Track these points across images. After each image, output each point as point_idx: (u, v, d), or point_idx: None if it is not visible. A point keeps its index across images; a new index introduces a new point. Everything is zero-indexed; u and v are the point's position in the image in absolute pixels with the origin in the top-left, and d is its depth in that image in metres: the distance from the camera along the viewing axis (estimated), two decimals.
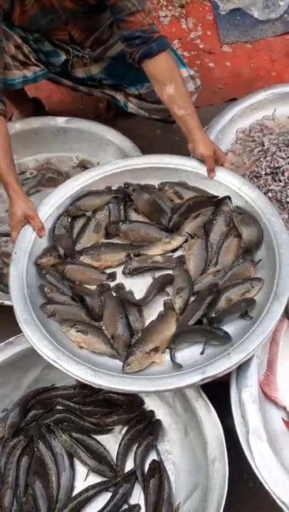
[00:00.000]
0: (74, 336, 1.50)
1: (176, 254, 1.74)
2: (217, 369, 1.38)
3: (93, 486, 1.53)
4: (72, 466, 1.58)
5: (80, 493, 1.53)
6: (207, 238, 1.71)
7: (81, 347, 1.50)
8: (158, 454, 1.58)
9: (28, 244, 1.67)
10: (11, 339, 1.58)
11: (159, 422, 1.63)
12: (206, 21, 2.98)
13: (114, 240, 1.77)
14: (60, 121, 2.25)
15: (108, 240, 1.77)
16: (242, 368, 1.45)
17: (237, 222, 1.70)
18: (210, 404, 1.46)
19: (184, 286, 1.59)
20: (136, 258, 1.70)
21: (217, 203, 1.78)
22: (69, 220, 1.78)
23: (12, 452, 1.58)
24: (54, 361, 1.42)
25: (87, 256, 1.69)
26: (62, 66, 2.13)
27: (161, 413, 1.65)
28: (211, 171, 1.80)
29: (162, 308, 1.60)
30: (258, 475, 1.30)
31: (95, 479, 1.56)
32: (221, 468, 1.37)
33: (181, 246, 1.74)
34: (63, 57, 2.09)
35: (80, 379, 1.40)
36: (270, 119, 2.21)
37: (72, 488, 1.56)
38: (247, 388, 1.41)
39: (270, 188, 1.98)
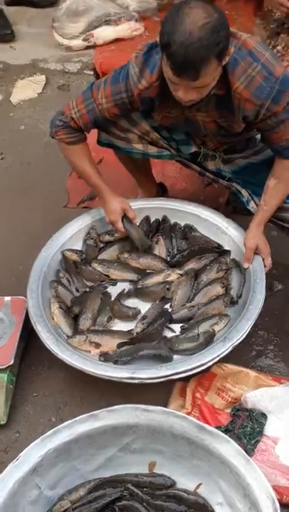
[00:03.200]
0: (53, 308, 2.01)
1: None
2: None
3: None
4: None
5: None
6: (195, 279, 2.12)
7: (52, 318, 1.98)
8: None
9: (64, 238, 2.23)
10: (95, 412, 1.57)
11: None
12: None
13: (129, 260, 2.22)
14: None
15: (123, 260, 2.24)
16: None
17: (228, 274, 2.10)
18: None
19: (147, 317, 2.00)
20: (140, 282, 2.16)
21: (218, 253, 2.19)
22: (97, 234, 2.29)
23: None
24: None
25: (100, 265, 2.20)
26: (192, 156, 2.23)
27: None
28: (246, 261, 2.05)
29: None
30: None
31: None
32: None
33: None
34: (194, 148, 2.17)
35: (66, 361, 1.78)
36: None
37: None
38: None
39: None
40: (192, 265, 2.19)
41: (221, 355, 1.78)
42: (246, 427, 1.74)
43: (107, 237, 2.29)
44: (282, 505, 1.57)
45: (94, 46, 3.67)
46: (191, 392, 1.86)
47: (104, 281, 2.20)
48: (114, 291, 2.18)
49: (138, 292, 2.14)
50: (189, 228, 2.32)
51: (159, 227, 2.35)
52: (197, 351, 1.83)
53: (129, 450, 1.62)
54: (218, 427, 1.68)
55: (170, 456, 1.61)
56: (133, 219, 2.17)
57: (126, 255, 2.22)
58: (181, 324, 2.01)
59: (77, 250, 2.26)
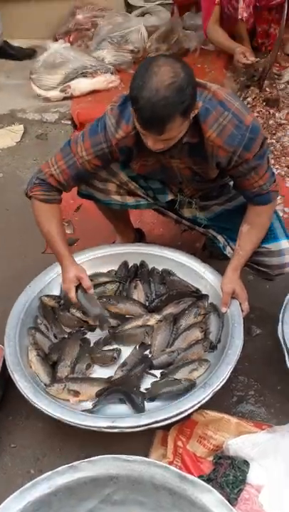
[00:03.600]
0: (30, 356, 1.99)
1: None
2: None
3: None
4: None
5: None
6: (174, 324, 2.12)
7: (30, 366, 1.96)
8: None
9: (42, 284, 2.24)
10: (75, 463, 1.53)
11: None
12: None
13: (108, 306, 2.21)
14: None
15: (104, 304, 2.19)
16: None
17: (206, 318, 2.13)
18: None
19: (127, 363, 2.01)
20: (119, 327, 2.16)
21: (196, 297, 2.21)
22: None
23: None
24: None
25: (78, 311, 2.17)
26: (169, 203, 2.28)
27: None
28: (223, 305, 2.06)
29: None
30: None
31: None
32: None
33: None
34: (170, 197, 2.23)
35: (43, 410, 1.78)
36: None
37: None
38: None
39: None
40: (170, 310, 2.19)
41: (202, 402, 1.77)
42: (229, 475, 1.72)
43: None
44: None
45: (71, 97, 3.78)
46: (172, 441, 1.84)
47: (82, 328, 2.19)
48: (92, 337, 2.16)
49: (117, 337, 2.14)
50: (167, 273, 2.34)
51: (137, 272, 2.36)
52: (178, 394, 1.83)
53: (110, 502, 1.57)
54: (200, 476, 1.66)
55: (152, 507, 1.56)
56: (88, 288, 2.06)
57: (104, 300, 2.21)
58: (161, 370, 2.00)
59: (55, 296, 2.25)
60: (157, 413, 1.76)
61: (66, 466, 1.53)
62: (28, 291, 2.20)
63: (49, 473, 1.52)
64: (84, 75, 3.79)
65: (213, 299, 2.18)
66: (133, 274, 2.36)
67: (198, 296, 2.23)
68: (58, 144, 3.50)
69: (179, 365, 1.97)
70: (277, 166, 3.23)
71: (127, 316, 2.22)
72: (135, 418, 1.75)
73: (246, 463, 1.74)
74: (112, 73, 3.85)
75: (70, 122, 3.68)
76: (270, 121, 3.50)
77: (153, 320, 2.15)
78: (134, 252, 2.41)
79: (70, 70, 3.80)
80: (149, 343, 2.10)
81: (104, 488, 1.55)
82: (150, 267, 2.39)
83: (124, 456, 1.54)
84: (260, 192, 1.96)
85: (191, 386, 1.86)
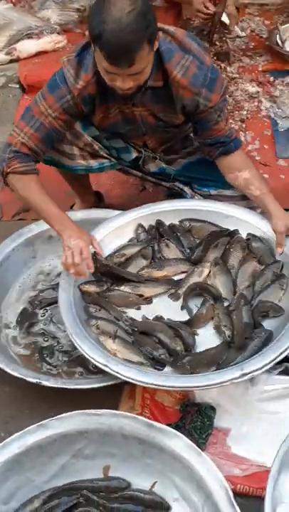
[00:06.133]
0: (110, 346, 1.75)
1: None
2: (254, 366, 1.61)
3: None
4: None
5: None
6: (226, 264, 2.00)
7: (115, 355, 1.73)
8: None
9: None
10: (43, 422, 1.55)
11: None
12: (264, 136, 3.12)
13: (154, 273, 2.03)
14: (116, 213, 2.32)
15: (150, 273, 2.03)
16: (279, 482, 1.38)
17: (250, 246, 2.04)
18: None
19: (222, 318, 1.83)
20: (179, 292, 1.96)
21: (229, 234, 2.10)
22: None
23: None
24: (104, 365, 1.66)
25: (127, 286, 1.97)
26: (133, 162, 2.25)
27: None
28: (278, 246, 1.96)
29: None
30: None
31: None
32: None
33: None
34: (134, 154, 2.21)
35: (129, 379, 1.64)
36: None
37: None
38: (283, 505, 1.34)
39: None
40: (214, 254, 2.06)
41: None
42: (196, 421, 1.77)
43: (117, 259, 2.08)
44: (237, 494, 1.61)
45: (17, 60, 3.65)
46: (140, 394, 1.87)
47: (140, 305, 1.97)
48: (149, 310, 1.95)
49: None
50: (189, 220, 2.19)
51: (160, 232, 2.18)
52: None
53: (81, 456, 1.60)
54: (168, 425, 1.69)
55: (123, 457, 1.61)
56: (99, 254, 1.99)
57: (149, 269, 2.05)
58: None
59: (94, 280, 2.00)
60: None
61: (35, 425, 1.56)
62: (64, 286, 1.94)
63: (19, 433, 1.54)
64: (29, 36, 3.66)
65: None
66: (157, 235, 2.18)
67: (230, 232, 2.12)
68: (8, 108, 3.42)
69: (264, 291, 1.90)
70: (230, 121, 3.23)
71: (176, 279, 2.04)
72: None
73: (213, 408, 1.79)
74: (58, 33, 3.73)
75: (17, 86, 3.57)
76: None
77: (206, 269, 2.00)
78: (148, 214, 2.21)
79: (15, 31, 3.67)
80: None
81: (74, 444, 1.58)
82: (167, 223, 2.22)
83: (92, 411, 1.57)
84: (231, 135, 2.00)
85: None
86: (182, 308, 1.92)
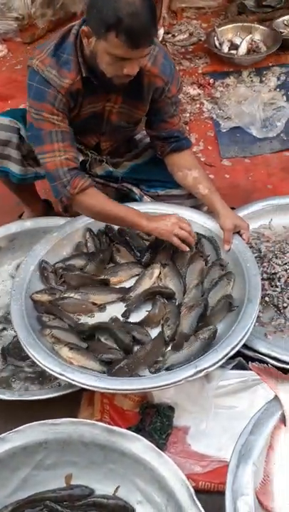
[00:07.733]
0: (66, 354, 1.74)
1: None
2: (207, 362, 1.63)
3: None
4: None
5: None
6: (175, 264, 2.04)
7: (71, 363, 1.72)
8: None
9: (23, 282, 1.96)
10: (1, 435, 1.53)
11: None
12: (207, 137, 3.19)
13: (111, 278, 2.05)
14: (66, 220, 2.31)
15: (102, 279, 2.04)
16: (238, 475, 1.40)
17: (200, 246, 2.07)
18: None
19: (170, 317, 1.85)
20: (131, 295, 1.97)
21: None
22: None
23: None
24: (60, 374, 1.65)
25: (77, 294, 1.97)
26: (80, 165, 2.25)
27: None
28: (226, 243, 2.00)
29: None
30: None
31: None
32: None
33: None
34: (81, 158, 2.19)
35: (86, 386, 1.63)
36: (266, 227, 2.31)
37: None
38: (243, 497, 1.35)
39: (267, 293, 2.03)
40: (163, 256, 2.09)
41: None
42: (156, 422, 1.78)
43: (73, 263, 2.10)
44: (199, 491, 1.62)
45: None
46: (98, 400, 1.87)
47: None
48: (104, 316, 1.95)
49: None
50: None
51: (109, 237, 2.21)
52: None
53: (43, 467, 1.59)
54: (129, 428, 1.71)
55: (84, 465, 1.60)
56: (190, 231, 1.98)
57: (107, 275, 2.06)
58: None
59: (44, 289, 2.01)
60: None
61: None
62: (15, 297, 1.93)
63: None
64: None
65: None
66: (108, 239, 2.20)
67: None
68: None
69: (212, 289, 1.93)
70: None
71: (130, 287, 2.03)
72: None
73: (171, 408, 1.81)
74: None
75: None
76: None
77: (156, 270, 2.02)
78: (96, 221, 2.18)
79: None
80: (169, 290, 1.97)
81: (35, 455, 1.57)
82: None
83: (50, 421, 1.56)
84: (184, 133, 2.09)
85: (231, 299, 1.88)
86: (125, 312, 1.93)
